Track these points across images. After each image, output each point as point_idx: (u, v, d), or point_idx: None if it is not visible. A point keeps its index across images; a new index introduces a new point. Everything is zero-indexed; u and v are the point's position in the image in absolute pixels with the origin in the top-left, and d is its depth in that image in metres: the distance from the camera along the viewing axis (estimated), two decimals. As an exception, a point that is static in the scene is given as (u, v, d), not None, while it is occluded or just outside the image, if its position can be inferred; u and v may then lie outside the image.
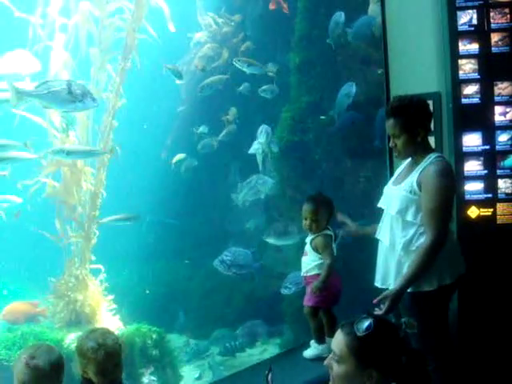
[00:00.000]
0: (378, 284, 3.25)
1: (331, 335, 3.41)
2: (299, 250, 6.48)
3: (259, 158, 5.80)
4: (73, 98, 4.31)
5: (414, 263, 3.01)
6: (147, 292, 6.76)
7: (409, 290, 3.04)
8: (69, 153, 5.16)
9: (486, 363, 3.67)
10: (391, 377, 1.95)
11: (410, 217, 3.07)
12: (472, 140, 3.96)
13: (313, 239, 3.70)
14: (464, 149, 3.97)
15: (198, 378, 5.89)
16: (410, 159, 3.26)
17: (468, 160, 3.96)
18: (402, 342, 1.99)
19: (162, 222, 7.48)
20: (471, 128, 3.95)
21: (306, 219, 3.70)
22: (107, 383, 2.43)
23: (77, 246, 5.60)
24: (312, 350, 3.79)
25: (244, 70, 6.17)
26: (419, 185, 3.07)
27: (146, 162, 7.35)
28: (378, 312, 2.91)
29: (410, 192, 3.08)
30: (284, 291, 5.91)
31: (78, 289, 5.43)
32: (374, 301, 2.97)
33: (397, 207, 3.11)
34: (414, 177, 3.11)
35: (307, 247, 3.75)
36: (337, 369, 1.98)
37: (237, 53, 6.97)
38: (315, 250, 3.68)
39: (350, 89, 5.82)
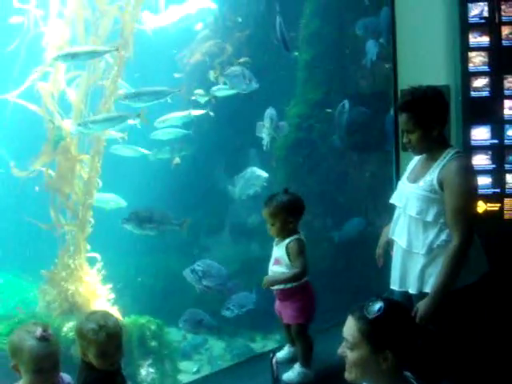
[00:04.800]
0: (394, 287, 3.08)
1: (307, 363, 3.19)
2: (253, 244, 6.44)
3: (265, 142, 5.62)
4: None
5: (445, 269, 2.83)
6: (139, 279, 6.61)
7: (428, 291, 2.89)
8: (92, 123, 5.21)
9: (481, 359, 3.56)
10: (407, 359, 1.90)
11: (430, 217, 2.91)
12: (481, 134, 3.91)
13: (287, 245, 3.18)
14: (472, 142, 3.91)
15: (196, 372, 5.83)
16: (424, 155, 3.08)
17: (476, 154, 3.90)
18: (416, 324, 1.94)
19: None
20: (480, 121, 3.90)
21: (267, 223, 3.25)
22: (107, 366, 2.37)
23: (71, 235, 5.52)
24: (299, 376, 3.21)
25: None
26: (440, 183, 2.89)
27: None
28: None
29: (431, 191, 2.91)
30: (225, 313, 5.66)
31: (72, 278, 5.36)
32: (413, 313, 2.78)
33: (417, 208, 2.94)
34: (433, 174, 2.93)
35: (279, 254, 3.22)
36: (351, 356, 1.94)
37: (241, 47, 6.91)
38: (289, 257, 3.17)
39: (342, 108, 5.84)
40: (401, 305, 2.02)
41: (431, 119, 2.94)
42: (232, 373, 3.37)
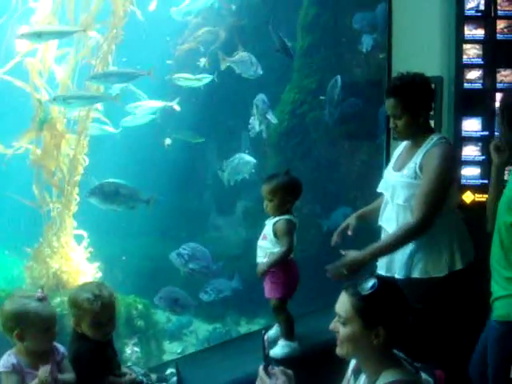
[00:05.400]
0: (381, 272, 3.10)
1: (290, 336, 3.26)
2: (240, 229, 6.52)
3: (253, 128, 5.70)
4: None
5: (390, 238, 2.93)
6: (123, 258, 6.59)
7: (416, 276, 2.96)
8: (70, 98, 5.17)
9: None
10: (398, 337, 1.95)
11: None
12: (472, 125, 3.96)
13: (275, 223, 3.25)
14: (463, 133, 3.96)
15: (181, 353, 5.86)
16: (408, 142, 3.13)
17: (466, 145, 3.96)
18: (408, 301, 1.99)
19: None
20: (472, 113, 3.94)
21: (264, 199, 3.30)
22: (101, 336, 2.40)
23: (57, 213, 5.50)
24: (283, 348, 3.25)
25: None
26: (421, 168, 2.94)
27: (132, 136, 7.21)
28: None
29: (415, 178, 2.96)
30: (203, 296, 5.71)
31: (58, 256, 5.36)
32: (330, 266, 2.88)
33: (403, 196, 2.98)
34: (416, 160, 2.98)
35: (267, 231, 3.29)
36: (343, 331, 1.97)
37: (234, 32, 6.89)
38: (275, 235, 3.24)
39: (335, 82, 5.87)
40: (393, 282, 2.07)
41: (418, 105, 2.99)
42: (221, 351, 3.40)
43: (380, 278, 1.98)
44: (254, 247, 3.39)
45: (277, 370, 1.96)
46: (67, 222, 5.44)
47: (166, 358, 5.45)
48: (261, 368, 1.96)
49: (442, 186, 2.92)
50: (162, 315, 6.36)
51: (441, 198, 2.93)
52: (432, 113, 4.09)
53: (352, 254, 2.90)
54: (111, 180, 5.44)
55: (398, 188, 3.02)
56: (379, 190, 3.21)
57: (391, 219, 3.06)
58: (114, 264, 6.27)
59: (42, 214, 5.50)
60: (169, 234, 6.95)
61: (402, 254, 3.01)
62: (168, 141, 6.73)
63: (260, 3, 7.24)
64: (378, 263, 3.16)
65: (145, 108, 6.38)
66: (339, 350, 2.02)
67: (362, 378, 2.08)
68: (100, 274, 5.32)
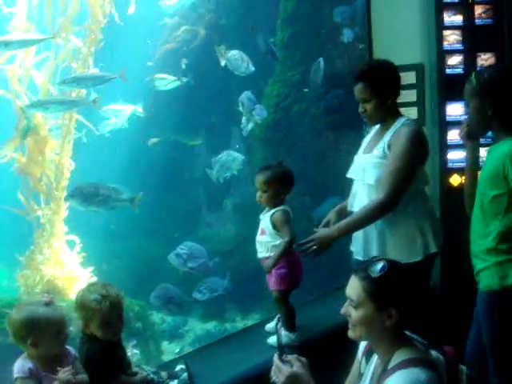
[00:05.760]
0: (359, 257, 3.16)
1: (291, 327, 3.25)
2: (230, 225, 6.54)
3: (244, 126, 5.76)
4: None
5: (357, 216, 2.98)
6: (103, 263, 6.54)
7: None
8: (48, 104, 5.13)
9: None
10: (409, 316, 1.99)
11: None
12: (455, 109, 4.03)
13: (272, 215, 3.21)
14: (447, 118, 4.04)
15: (179, 352, 5.86)
16: (377, 127, 3.18)
17: (451, 129, 4.02)
18: (415, 281, 2.03)
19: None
20: (454, 98, 3.99)
21: (258, 190, 3.27)
22: (111, 336, 2.40)
23: (46, 219, 5.47)
24: (283, 339, 3.24)
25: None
26: (390, 147, 2.99)
27: (117, 136, 7.17)
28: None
29: (384, 157, 3.00)
30: (197, 295, 5.73)
31: (50, 262, 5.32)
32: (301, 242, 2.95)
33: (374, 176, 3.02)
34: (385, 140, 3.03)
35: (264, 224, 3.25)
36: (356, 314, 2.01)
37: (214, 29, 6.92)
38: (274, 227, 3.20)
39: (318, 65, 5.97)
40: (400, 263, 2.11)
41: (386, 88, 3.05)
42: (224, 345, 3.42)
43: (388, 261, 2.02)
44: (246, 242, 3.38)
45: (291, 357, 2.01)
46: (58, 228, 5.40)
47: (165, 358, 5.45)
48: (276, 356, 1.99)
49: (408, 164, 2.95)
50: (156, 316, 6.35)
51: (407, 176, 2.96)
52: (415, 99, 4.24)
53: (322, 230, 3.01)
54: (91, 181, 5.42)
55: (369, 168, 3.07)
56: (349, 175, 3.24)
57: (363, 201, 3.08)
58: (108, 267, 6.23)
59: (32, 221, 5.47)
60: (161, 234, 6.94)
61: (377, 238, 3.05)
62: (153, 140, 6.71)
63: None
64: (354, 249, 3.21)
65: (121, 113, 6.37)
66: (351, 333, 2.05)
67: (374, 359, 2.12)
68: (95, 279, 5.27)
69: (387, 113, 3.08)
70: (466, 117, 3.06)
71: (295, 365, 1.96)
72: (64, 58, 5.47)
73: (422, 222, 3.06)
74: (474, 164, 3.00)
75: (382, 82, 3.04)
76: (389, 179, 2.93)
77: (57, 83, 5.40)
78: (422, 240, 3.02)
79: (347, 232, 3.04)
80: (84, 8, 5.47)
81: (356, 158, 3.25)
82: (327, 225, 3.32)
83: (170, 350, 5.98)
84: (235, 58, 5.91)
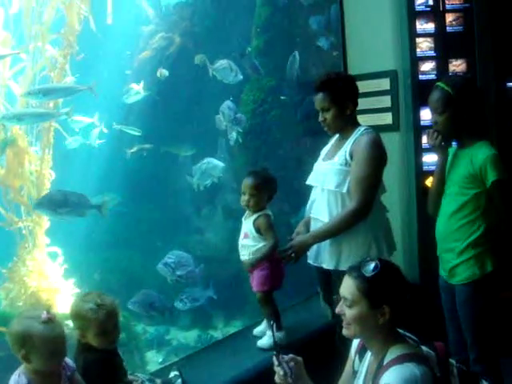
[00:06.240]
0: (310, 261, 3.20)
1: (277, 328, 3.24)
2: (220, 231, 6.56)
3: (231, 136, 5.81)
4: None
5: (331, 223, 3.04)
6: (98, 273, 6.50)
7: (344, 269, 2.99)
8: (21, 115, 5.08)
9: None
10: (401, 314, 2.06)
11: (346, 189, 3.05)
12: (428, 114, 4.10)
13: (255, 219, 3.29)
14: (422, 122, 4.17)
15: (162, 362, 5.84)
16: (337, 136, 3.26)
17: (425, 133, 4.14)
18: (406, 279, 2.11)
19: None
20: (428, 103, 4.17)
21: (244, 194, 3.32)
22: (107, 344, 2.41)
23: (28, 230, 5.41)
24: (270, 339, 3.22)
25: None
26: (351, 155, 3.06)
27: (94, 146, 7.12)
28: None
29: (345, 165, 3.06)
30: (178, 305, 5.76)
31: (33, 274, 5.25)
32: (281, 249, 3.08)
33: (334, 182, 3.07)
34: (346, 149, 3.10)
35: (247, 228, 3.32)
36: (350, 313, 2.06)
37: (190, 36, 6.94)
38: (257, 231, 3.28)
39: (293, 58, 6.10)
40: (392, 263, 2.19)
41: (345, 98, 3.13)
42: (215, 350, 3.44)
43: (380, 260, 2.09)
44: (228, 249, 3.42)
45: (286, 357, 2.07)
46: (40, 239, 5.33)
47: (150, 368, 5.41)
48: (274, 357, 2.06)
49: (374, 171, 3.05)
50: (138, 327, 6.31)
51: (375, 183, 3.07)
52: (390, 105, 4.36)
53: (298, 238, 3.11)
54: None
55: (330, 175, 3.12)
56: (308, 182, 3.30)
57: (322, 207, 3.14)
58: (90, 279, 6.17)
59: (13, 233, 5.39)
60: (143, 244, 6.90)
61: (330, 243, 3.10)
62: (132, 149, 6.70)
63: (211, 6, 7.31)
64: (308, 253, 3.23)
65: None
66: (346, 332, 2.12)
67: (368, 356, 2.19)
68: (78, 290, 5.22)
69: (346, 122, 3.15)
70: (432, 124, 3.13)
71: (291, 364, 2.04)
72: (42, 67, 5.44)
73: (377, 232, 3.12)
74: (444, 167, 3.10)
75: (341, 91, 3.12)
76: (358, 187, 3.01)
77: (21, 95, 5.35)
78: (376, 250, 3.07)
79: (322, 239, 3.10)
80: (60, 15, 5.45)
81: (316, 165, 3.32)
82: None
83: (153, 359, 5.94)
84: (223, 68, 5.97)
